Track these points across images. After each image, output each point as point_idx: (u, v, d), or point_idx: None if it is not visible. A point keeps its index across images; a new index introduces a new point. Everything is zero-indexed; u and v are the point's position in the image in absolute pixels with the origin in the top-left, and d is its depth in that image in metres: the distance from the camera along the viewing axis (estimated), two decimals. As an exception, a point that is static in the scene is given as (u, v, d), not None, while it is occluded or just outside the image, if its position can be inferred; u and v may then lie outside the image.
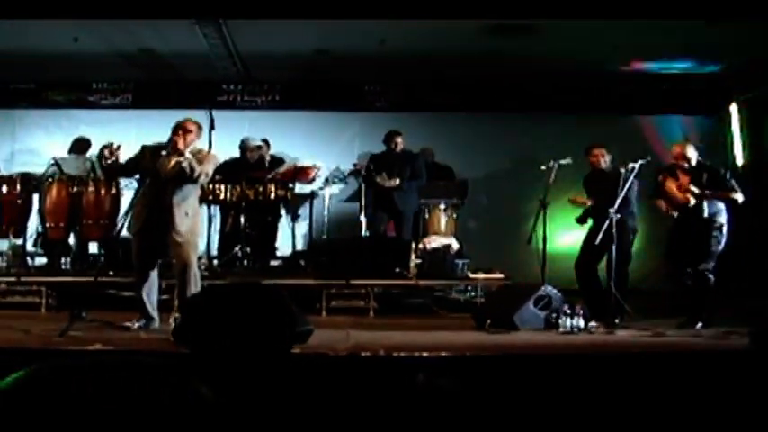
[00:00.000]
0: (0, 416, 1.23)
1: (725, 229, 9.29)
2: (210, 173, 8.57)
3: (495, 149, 14.10)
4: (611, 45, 11.76)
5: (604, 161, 10.21)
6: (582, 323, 8.73)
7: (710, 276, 9.19)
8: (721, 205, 9.29)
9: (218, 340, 2.32)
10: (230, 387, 2.36)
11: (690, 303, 9.27)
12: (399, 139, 12.18)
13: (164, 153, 8.15)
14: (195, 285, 8.18)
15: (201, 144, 8.74)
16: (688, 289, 9.37)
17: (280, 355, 2.41)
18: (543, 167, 10.10)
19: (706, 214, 9.19)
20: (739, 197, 9.22)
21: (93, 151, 12.30)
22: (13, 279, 10.46)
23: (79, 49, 12.58)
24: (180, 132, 8.16)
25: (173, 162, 8.14)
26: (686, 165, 9.45)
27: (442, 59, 12.72)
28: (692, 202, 9.16)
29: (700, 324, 8.96)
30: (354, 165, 12.67)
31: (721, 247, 9.29)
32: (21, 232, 11.44)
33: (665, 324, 9.07)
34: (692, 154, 9.51)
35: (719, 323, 8.93)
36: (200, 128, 8.42)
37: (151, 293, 8.44)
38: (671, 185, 9.45)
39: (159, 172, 8.14)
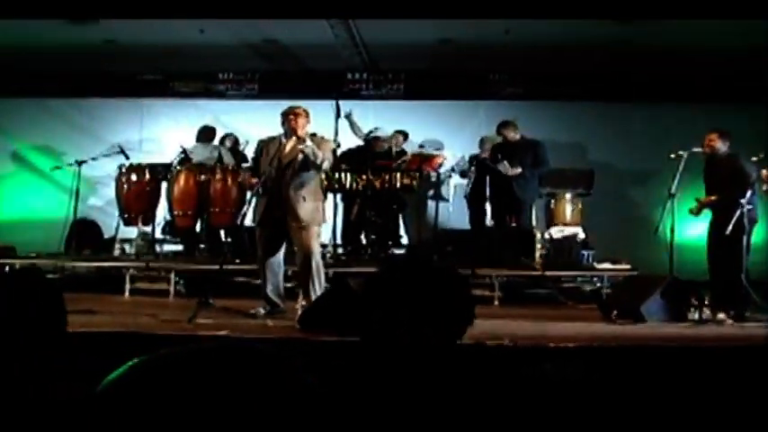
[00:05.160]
0: (107, 409, 1.27)
1: None
2: (332, 158, 8.65)
3: (622, 138, 13.90)
4: (741, 31, 11.51)
5: (720, 147, 9.97)
6: (710, 315, 8.59)
7: None
8: None
9: (393, 326, 2.33)
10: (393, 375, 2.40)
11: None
12: (511, 129, 12.00)
13: (283, 141, 8.24)
14: (318, 273, 8.21)
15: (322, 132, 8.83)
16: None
17: (449, 347, 2.42)
18: (672, 156, 9.93)
19: None
20: None
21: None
22: (142, 266, 10.66)
23: (205, 40, 12.81)
24: (292, 118, 8.18)
25: (290, 146, 8.21)
26: None
27: (568, 48, 12.61)
28: None
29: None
30: (479, 153, 12.62)
31: None
32: (149, 220, 11.70)
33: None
34: None
35: None
36: (307, 112, 8.44)
37: (276, 281, 8.51)
38: None
39: (280, 160, 8.22)
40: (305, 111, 8.34)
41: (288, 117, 8.20)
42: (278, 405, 1.26)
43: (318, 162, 8.11)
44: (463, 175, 12.81)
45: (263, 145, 8.54)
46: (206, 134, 12.47)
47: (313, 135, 8.36)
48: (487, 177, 11.98)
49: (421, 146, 13.21)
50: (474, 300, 2.55)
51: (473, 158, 12.61)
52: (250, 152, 11.45)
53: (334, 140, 10.42)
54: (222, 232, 11.84)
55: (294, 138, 8.14)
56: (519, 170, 11.55)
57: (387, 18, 11.01)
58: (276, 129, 8.52)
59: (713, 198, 9.80)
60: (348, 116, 12.19)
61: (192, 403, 1.22)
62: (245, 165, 11.17)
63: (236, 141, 12.77)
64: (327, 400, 1.36)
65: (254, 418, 1.23)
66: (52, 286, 2.66)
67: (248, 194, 9.09)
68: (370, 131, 12.61)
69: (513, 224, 11.74)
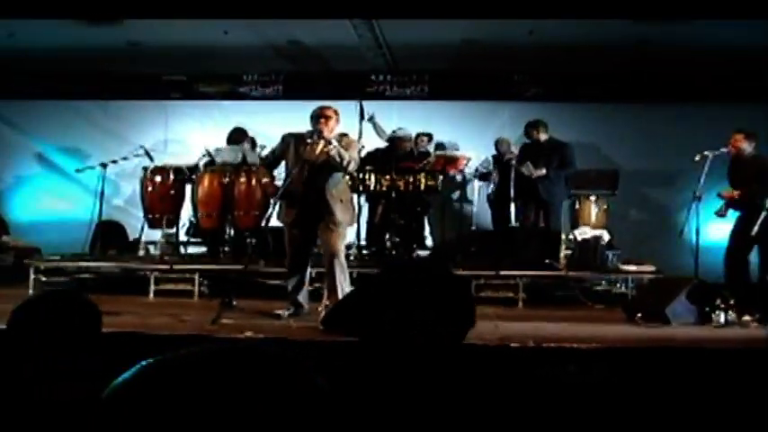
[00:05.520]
0: (116, 410, 1.27)
1: None
2: (358, 159, 8.64)
3: (647, 139, 13.81)
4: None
5: (745, 147, 9.91)
6: (736, 317, 8.54)
7: None
8: None
9: (392, 326, 2.33)
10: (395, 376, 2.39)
11: None
12: (539, 130, 11.96)
13: (309, 141, 8.21)
14: (344, 274, 8.22)
15: (340, 131, 8.81)
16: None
17: (451, 348, 2.41)
18: (697, 158, 9.88)
19: None
20: None
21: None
22: (166, 267, 10.66)
23: (229, 41, 12.85)
24: (322, 120, 8.15)
25: (320, 149, 8.18)
26: None
27: (592, 48, 12.56)
28: None
29: None
30: (501, 154, 12.59)
31: None
32: (174, 222, 11.72)
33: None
34: None
35: None
36: (338, 114, 8.43)
37: (302, 282, 8.50)
38: None
39: (307, 160, 8.20)
40: (335, 111, 8.33)
41: (318, 119, 8.19)
42: (287, 407, 1.26)
43: (344, 164, 8.10)
44: (483, 177, 12.78)
45: (289, 140, 8.49)
46: (236, 136, 12.48)
47: (344, 135, 8.37)
48: (512, 178, 11.93)
49: (439, 145, 13.22)
50: (473, 302, 2.54)
51: (494, 159, 12.59)
52: (250, 156, 11.53)
53: (358, 142, 10.41)
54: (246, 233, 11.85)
55: (322, 139, 8.13)
56: (543, 172, 11.50)
57: (410, 18, 11.01)
58: (300, 130, 8.50)
59: (736, 193, 9.76)
60: (371, 119, 12.17)
61: (199, 406, 1.22)
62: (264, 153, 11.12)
63: (253, 143, 12.78)
64: (337, 401, 1.35)
65: (261, 421, 1.23)
66: (93, 309, 2.72)
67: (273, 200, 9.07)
68: (393, 131, 12.59)
69: (542, 224, 11.69)
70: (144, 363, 1.30)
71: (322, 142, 8.10)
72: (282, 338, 7.04)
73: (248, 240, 11.39)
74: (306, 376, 1.30)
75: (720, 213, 9.97)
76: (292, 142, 8.39)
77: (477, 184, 12.65)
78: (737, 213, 9.87)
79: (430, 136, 13.15)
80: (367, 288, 2.44)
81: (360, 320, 2.23)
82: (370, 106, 12.05)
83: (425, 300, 2.32)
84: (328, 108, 8.31)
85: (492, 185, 12.57)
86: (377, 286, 2.45)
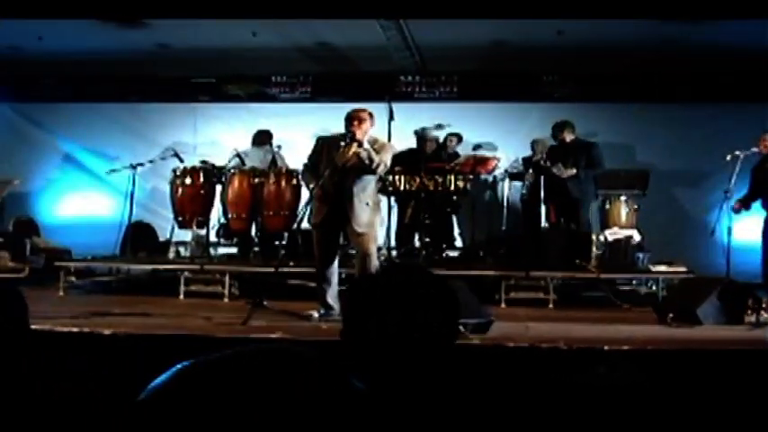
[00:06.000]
0: (154, 413, 1.27)
1: None
2: (389, 163, 8.59)
3: (677, 139, 13.72)
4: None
5: None
6: (768, 318, 8.48)
7: None
8: None
9: (380, 328, 2.32)
10: (390, 380, 2.38)
11: None
12: (566, 131, 11.93)
13: (342, 144, 8.20)
14: (376, 276, 8.20)
15: (377, 133, 8.80)
16: None
17: (441, 348, 2.39)
18: (728, 157, 9.84)
19: None
20: None
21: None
22: (196, 268, 10.67)
23: (258, 43, 12.90)
24: (356, 123, 8.13)
25: (351, 152, 8.17)
26: None
27: (621, 48, 12.52)
28: None
29: None
30: (532, 155, 12.55)
31: None
32: (204, 223, 11.70)
33: None
34: None
35: None
36: (372, 116, 8.41)
37: (331, 283, 8.48)
38: None
39: (338, 163, 8.19)
40: (370, 114, 8.33)
41: (352, 121, 8.19)
42: (324, 409, 1.25)
43: (373, 166, 8.09)
44: (514, 177, 12.75)
45: (323, 143, 8.51)
46: (261, 138, 12.52)
47: (375, 141, 8.35)
48: (542, 179, 11.90)
49: (477, 146, 13.22)
50: (457, 305, 2.52)
51: (527, 161, 12.55)
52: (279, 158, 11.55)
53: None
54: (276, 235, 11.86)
55: (354, 142, 8.12)
56: (573, 171, 11.49)
57: (438, 18, 11.00)
58: (328, 131, 8.50)
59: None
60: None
61: (237, 408, 1.21)
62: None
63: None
64: (375, 403, 1.35)
65: (298, 422, 1.22)
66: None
67: (303, 199, 9.07)
68: (416, 131, 12.61)
69: (573, 225, 11.65)
70: (180, 365, 1.30)
71: (354, 145, 8.09)
72: (317, 340, 7.04)
73: (278, 242, 11.42)
74: (343, 378, 1.30)
75: (736, 210, 10.00)
76: (326, 145, 8.39)
77: (507, 185, 12.62)
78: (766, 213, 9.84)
79: (459, 137, 13.12)
80: (358, 293, 2.42)
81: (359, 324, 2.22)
82: (400, 107, 12.03)
83: (426, 301, 2.31)
84: (363, 111, 8.30)
85: (525, 186, 12.53)
86: (369, 291, 2.45)
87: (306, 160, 8.69)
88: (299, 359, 1.32)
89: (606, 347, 6.70)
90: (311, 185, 8.42)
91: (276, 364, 1.31)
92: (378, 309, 2.27)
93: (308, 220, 8.58)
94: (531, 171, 12.31)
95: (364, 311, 2.28)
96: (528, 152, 12.66)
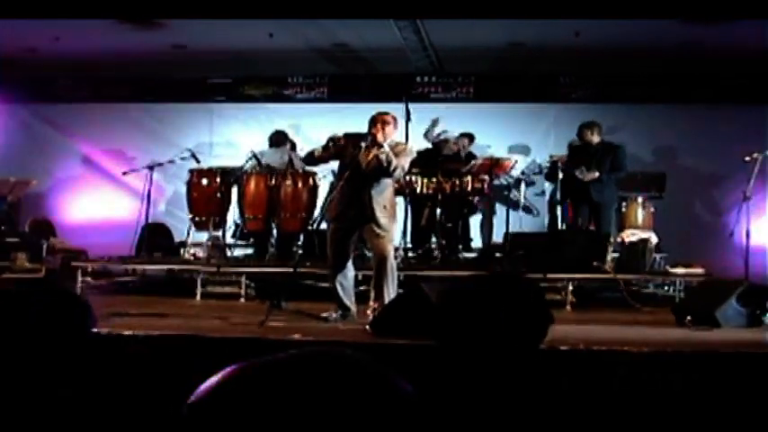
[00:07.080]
0: (204, 416, 1.25)
1: None
2: (407, 167, 8.53)
3: (694, 141, 13.70)
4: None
5: None
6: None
7: None
8: None
9: (470, 333, 2.32)
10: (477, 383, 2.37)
11: None
12: (593, 131, 11.86)
13: (363, 145, 8.17)
14: (392, 277, 8.18)
15: (397, 136, 8.77)
16: None
17: (530, 352, 2.39)
18: (747, 159, 9.79)
19: None
20: None
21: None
22: (213, 269, 10.68)
23: (274, 44, 12.91)
24: (379, 125, 8.10)
25: (372, 154, 8.14)
26: None
27: (638, 49, 12.49)
28: None
29: None
30: (551, 156, 12.51)
31: None
32: (220, 224, 11.73)
33: None
34: None
35: None
36: (396, 120, 8.40)
37: (347, 284, 8.45)
38: None
39: (359, 164, 8.16)
40: (393, 118, 8.30)
41: (375, 124, 8.16)
42: (376, 414, 1.23)
43: (390, 169, 8.05)
44: (543, 173, 12.71)
45: (347, 141, 8.37)
46: (277, 139, 12.52)
47: (396, 144, 8.32)
48: (559, 182, 11.88)
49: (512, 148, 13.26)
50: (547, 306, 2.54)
51: (554, 162, 12.47)
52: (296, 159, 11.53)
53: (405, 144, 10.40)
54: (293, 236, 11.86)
55: (375, 144, 8.09)
56: (596, 175, 11.37)
57: (456, 19, 10.99)
58: (347, 131, 8.46)
59: None
60: (435, 124, 12.24)
61: (286, 412, 1.20)
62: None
63: (293, 147, 12.77)
64: (424, 407, 1.33)
65: (349, 427, 1.21)
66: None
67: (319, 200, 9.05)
68: (439, 134, 12.57)
69: (592, 227, 11.59)
70: (229, 368, 1.28)
71: (375, 148, 8.07)
72: (335, 341, 7.01)
73: (297, 243, 11.42)
74: (394, 383, 1.28)
75: None
76: (350, 143, 8.33)
77: (524, 185, 12.59)
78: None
79: (471, 137, 13.08)
80: (418, 294, 2.45)
81: (418, 324, 2.25)
82: (416, 108, 12.00)
83: (512, 306, 2.31)
84: (387, 114, 8.28)
85: (555, 188, 12.50)
86: (459, 295, 2.45)
87: (320, 147, 8.62)
88: (354, 363, 1.30)
89: (625, 349, 6.66)
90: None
91: (332, 367, 1.29)
92: (477, 316, 2.27)
93: (323, 214, 8.57)
94: (560, 173, 12.25)
95: (463, 318, 2.28)
96: (543, 152, 12.65)
